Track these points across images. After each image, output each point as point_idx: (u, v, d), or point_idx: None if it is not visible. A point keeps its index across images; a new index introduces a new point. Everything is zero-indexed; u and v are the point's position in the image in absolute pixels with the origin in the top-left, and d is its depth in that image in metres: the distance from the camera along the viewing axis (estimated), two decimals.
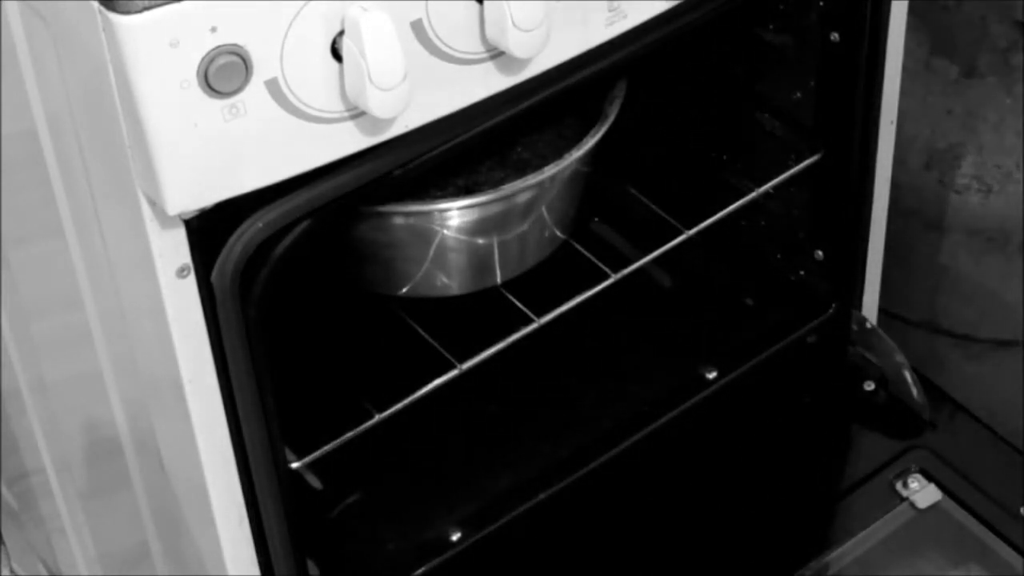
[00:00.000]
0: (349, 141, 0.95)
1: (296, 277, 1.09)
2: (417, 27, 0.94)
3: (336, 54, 0.91)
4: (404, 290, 1.27)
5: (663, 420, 1.34)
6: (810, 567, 1.31)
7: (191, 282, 0.97)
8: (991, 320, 1.66)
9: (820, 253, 1.38)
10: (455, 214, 1.21)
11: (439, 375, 1.25)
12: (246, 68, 0.88)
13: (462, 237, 1.23)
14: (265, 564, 1.12)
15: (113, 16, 0.85)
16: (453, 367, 1.25)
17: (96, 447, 1.27)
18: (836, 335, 1.43)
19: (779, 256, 1.42)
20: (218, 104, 0.89)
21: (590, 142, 1.24)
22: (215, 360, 1.01)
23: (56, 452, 1.35)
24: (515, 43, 0.95)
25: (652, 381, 1.38)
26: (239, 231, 0.96)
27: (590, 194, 1.34)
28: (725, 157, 1.41)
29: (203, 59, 0.87)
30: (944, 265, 1.67)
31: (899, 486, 1.35)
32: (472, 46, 0.97)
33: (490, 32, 0.96)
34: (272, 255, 0.99)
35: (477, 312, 1.29)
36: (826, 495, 1.37)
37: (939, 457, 1.37)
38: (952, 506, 1.34)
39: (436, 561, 1.26)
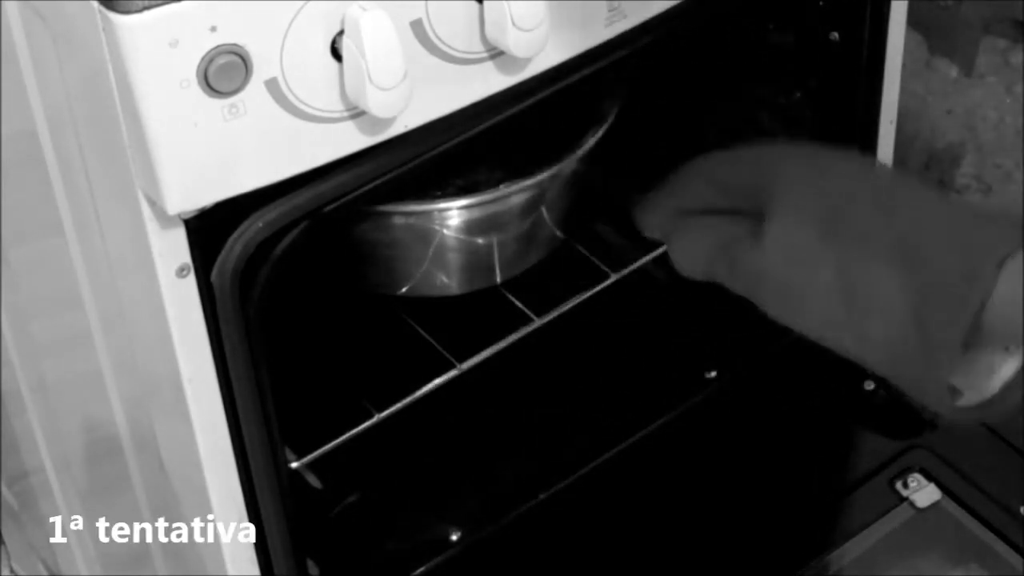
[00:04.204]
0: (349, 141, 0.95)
1: (296, 277, 1.09)
2: (417, 27, 0.94)
3: (336, 54, 0.91)
4: (404, 290, 1.27)
5: (663, 420, 1.34)
6: (810, 567, 1.31)
7: (191, 282, 0.97)
8: None
9: None
10: (455, 214, 1.21)
11: (439, 375, 1.25)
12: (246, 68, 0.88)
13: (462, 237, 1.23)
14: (265, 564, 1.12)
15: (113, 16, 0.85)
16: (453, 367, 1.25)
17: (96, 447, 1.27)
18: None
19: None
20: (218, 104, 0.89)
21: (590, 142, 1.24)
22: (215, 360, 1.01)
23: (56, 452, 1.35)
24: (515, 43, 0.95)
25: (652, 381, 1.38)
26: (239, 231, 0.96)
27: (590, 194, 1.34)
28: None
29: (203, 59, 0.87)
30: None
31: (899, 486, 1.35)
32: (472, 46, 0.97)
33: (490, 32, 0.96)
34: (272, 255, 0.99)
35: (477, 312, 1.29)
36: (826, 495, 1.37)
37: (939, 457, 1.37)
38: (952, 506, 1.34)
39: (436, 561, 1.26)
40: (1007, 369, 1.00)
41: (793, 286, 1.04)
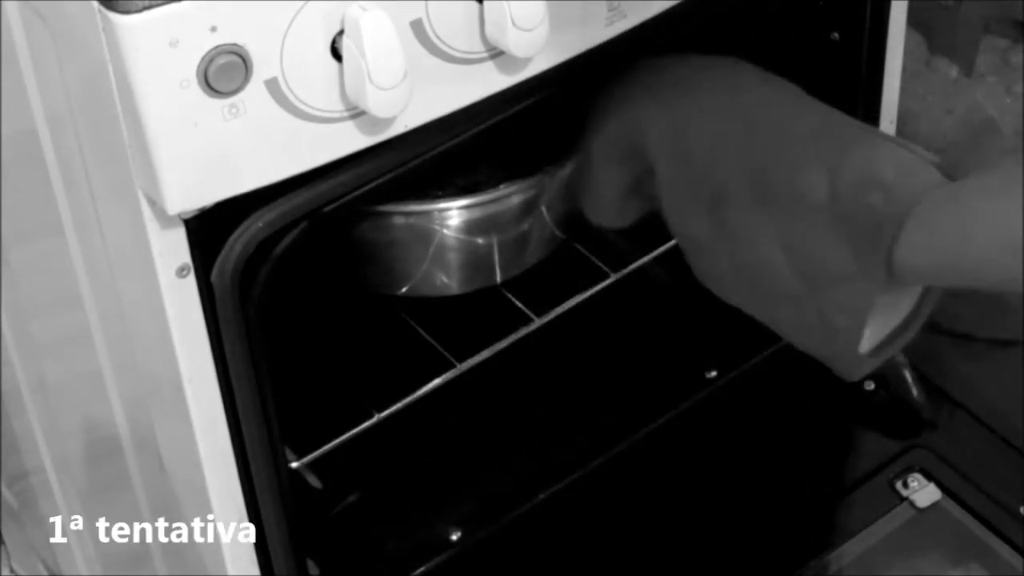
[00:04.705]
0: (349, 141, 0.95)
1: (296, 277, 1.10)
2: (417, 27, 0.94)
3: (336, 54, 0.91)
4: (404, 289, 1.27)
5: (663, 420, 1.34)
6: (810, 567, 1.31)
7: (191, 282, 0.97)
8: (991, 320, 1.66)
9: None
10: (455, 214, 1.21)
11: (439, 374, 1.25)
12: (246, 68, 0.88)
13: (462, 237, 1.23)
14: (265, 564, 1.12)
15: (113, 16, 0.85)
16: (452, 367, 1.25)
17: (96, 447, 1.27)
18: None
19: None
20: (218, 104, 0.89)
21: None
22: (215, 360, 1.01)
23: (56, 452, 1.35)
24: (515, 42, 0.95)
25: (652, 381, 1.38)
26: (239, 231, 0.96)
27: None
28: None
29: (203, 59, 0.87)
30: None
31: (899, 486, 1.35)
32: (472, 46, 0.97)
33: (490, 32, 0.96)
34: (272, 254, 0.99)
35: (477, 312, 1.29)
36: (826, 495, 1.37)
37: (939, 457, 1.37)
38: (952, 506, 1.34)
39: (436, 561, 1.26)
40: (896, 316, 1.01)
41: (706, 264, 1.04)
